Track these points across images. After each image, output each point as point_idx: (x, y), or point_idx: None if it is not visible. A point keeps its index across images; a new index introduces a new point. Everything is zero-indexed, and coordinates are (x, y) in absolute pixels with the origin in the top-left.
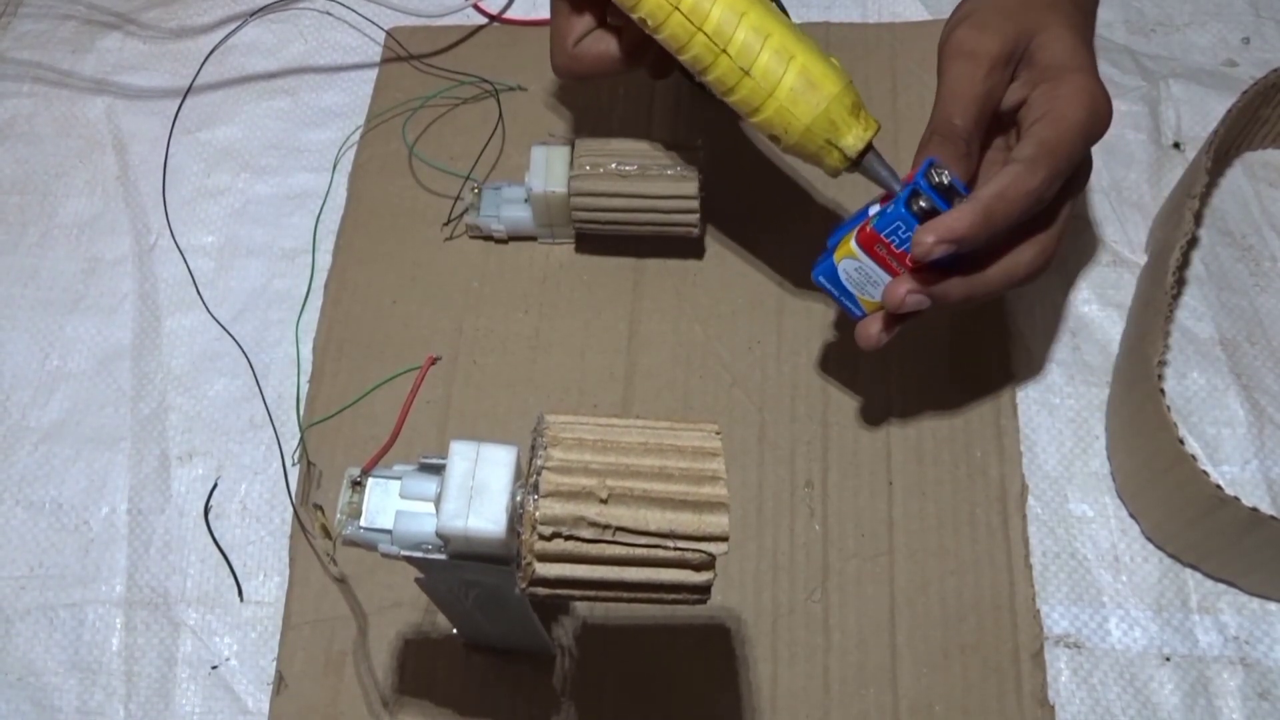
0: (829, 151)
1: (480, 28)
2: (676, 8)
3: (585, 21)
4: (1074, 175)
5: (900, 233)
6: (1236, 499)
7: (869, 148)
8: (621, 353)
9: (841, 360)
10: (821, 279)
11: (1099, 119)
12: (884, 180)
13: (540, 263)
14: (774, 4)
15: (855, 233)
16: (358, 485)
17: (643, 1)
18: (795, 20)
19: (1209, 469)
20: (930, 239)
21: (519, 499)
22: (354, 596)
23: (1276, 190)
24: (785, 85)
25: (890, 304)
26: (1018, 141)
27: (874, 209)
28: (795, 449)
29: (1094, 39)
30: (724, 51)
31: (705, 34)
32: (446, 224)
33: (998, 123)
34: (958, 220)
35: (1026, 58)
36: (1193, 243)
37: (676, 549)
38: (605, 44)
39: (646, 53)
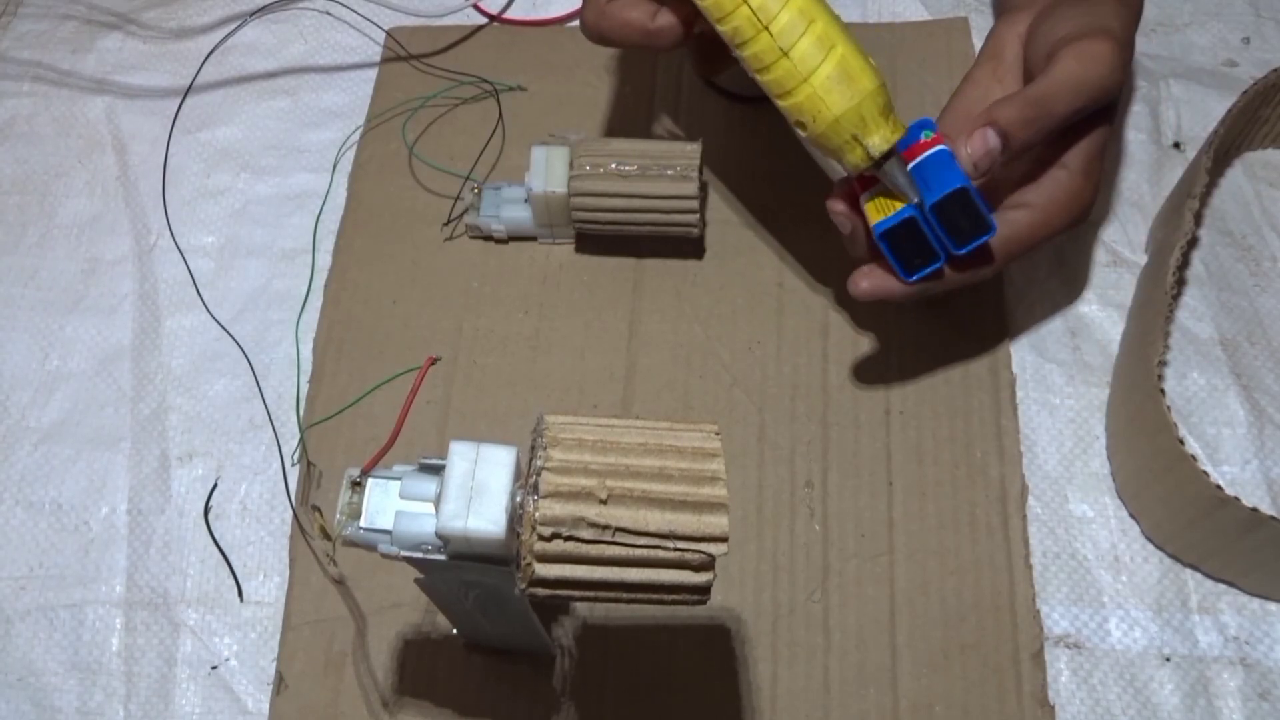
0: (853, 148)
1: (480, 28)
2: None
3: None
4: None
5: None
6: (1236, 499)
7: (893, 150)
8: (621, 353)
9: (841, 360)
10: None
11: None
12: (901, 187)
13: (540, 263)
14: None
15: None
16: (357, 486)
17: None
18: None
19: (1209, 469)
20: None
21: (519, 499)
22: (354, 597)
23: (1276, 190)
24: (822, 73)
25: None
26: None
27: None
28: (795, 449)
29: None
30: (766, 29)
31: (750, 8)
32: (446, 224)
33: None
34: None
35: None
36: (1193, 243)
37: (676, 550)
38: (639, 11)
39: (686, 35)
